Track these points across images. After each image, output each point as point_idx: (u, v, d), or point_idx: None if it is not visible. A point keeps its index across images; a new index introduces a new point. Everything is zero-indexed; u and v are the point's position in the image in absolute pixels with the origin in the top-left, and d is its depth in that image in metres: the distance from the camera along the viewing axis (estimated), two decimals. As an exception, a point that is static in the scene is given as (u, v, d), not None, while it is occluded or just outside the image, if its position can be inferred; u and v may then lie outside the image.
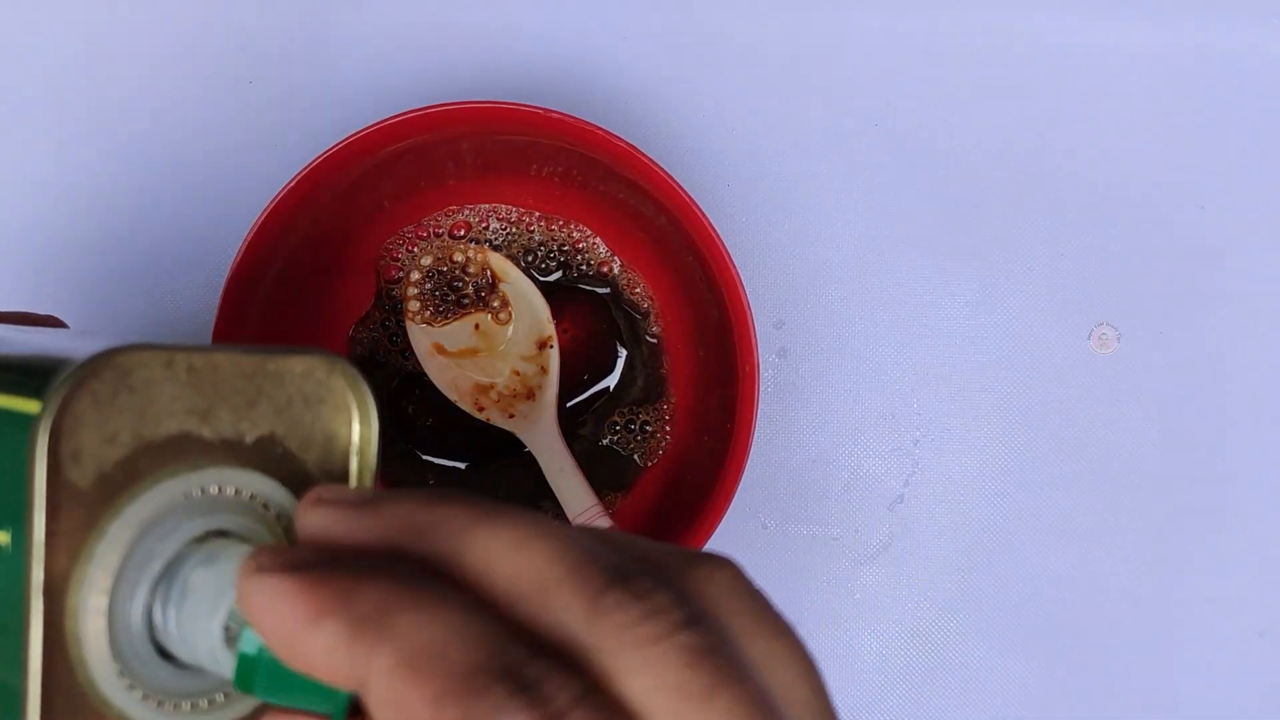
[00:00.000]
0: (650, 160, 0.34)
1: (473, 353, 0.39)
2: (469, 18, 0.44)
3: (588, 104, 0.43)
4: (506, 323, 0.39)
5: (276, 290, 0.37)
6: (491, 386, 0.39)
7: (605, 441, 0.40)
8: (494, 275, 0.40)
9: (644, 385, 0.40)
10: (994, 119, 0.44)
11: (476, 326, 0.40)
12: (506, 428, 0.39)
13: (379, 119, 0.35)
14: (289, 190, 0.35)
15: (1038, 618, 0.42)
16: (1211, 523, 0.43)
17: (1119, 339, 0.43)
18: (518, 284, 0.39)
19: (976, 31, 0.44)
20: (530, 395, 0.39)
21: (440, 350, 0.39)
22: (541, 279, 0.40)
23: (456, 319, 0.39)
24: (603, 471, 0.40)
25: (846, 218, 0.43)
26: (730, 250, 0.43)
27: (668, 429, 0.40)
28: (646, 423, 0.40)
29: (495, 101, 0.35)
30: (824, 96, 0.44)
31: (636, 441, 0.40)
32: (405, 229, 0.40)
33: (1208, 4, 0.44)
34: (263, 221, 0.34)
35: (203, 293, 0.43)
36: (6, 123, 0.43)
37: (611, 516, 0.36)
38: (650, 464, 0.40)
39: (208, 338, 0.35)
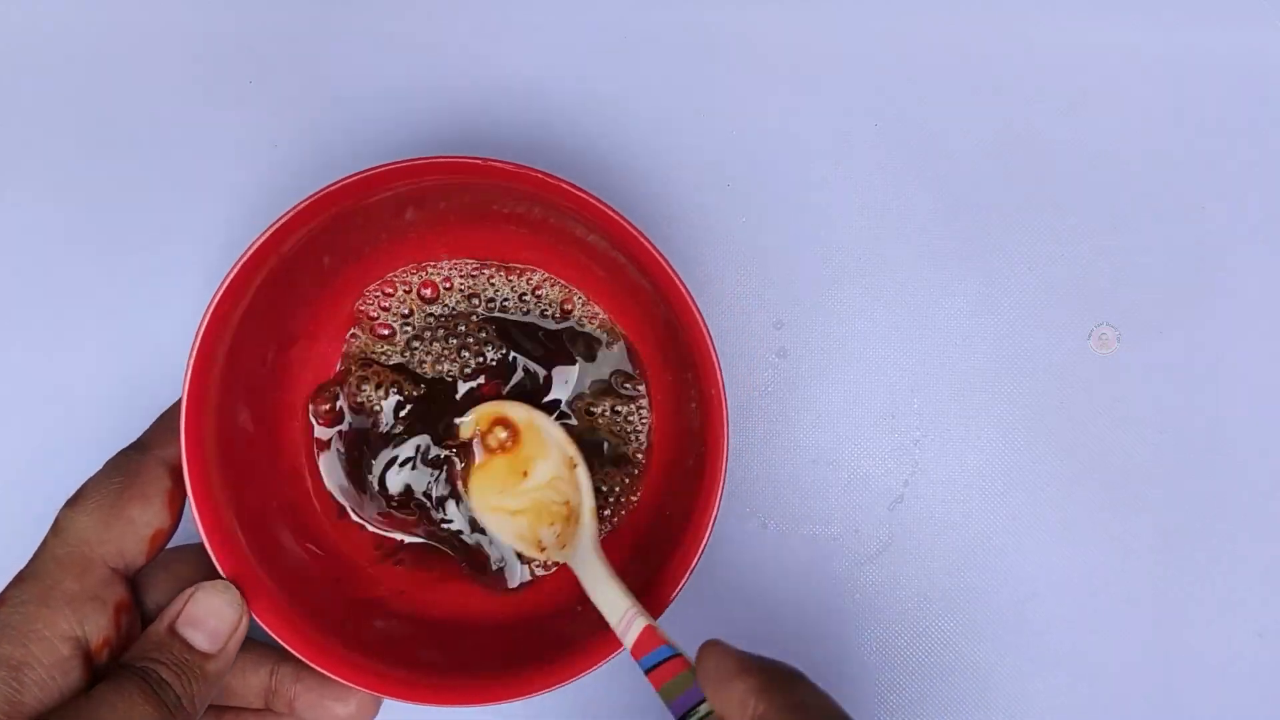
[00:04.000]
0: (573, 187, 0.34)
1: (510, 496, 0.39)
2: (468, 18, 0.44)
3: (588, 104, 0.43)
4: (521, 456, 0.39)
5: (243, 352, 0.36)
6: (551, 524, 0.38)
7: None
8: (488, 428, 0.39)
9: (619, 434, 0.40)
10: (994, 119, 0.44)
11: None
12: (562, 560, 0.37)
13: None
14: (231, 282, 0.33)
15: (1038, 618, 0.42)
16: (1211, 523, 0.43)
17: (1119, 339, 0.43)
18: (528, 421, 0.39)
19: (977, 31, 0.44)
20: (575, 518, 0.38)
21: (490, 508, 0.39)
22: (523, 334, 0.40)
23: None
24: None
25: (846, 218, 0.43)
26: (730, 250, 0.43)
27: (638, 485, 0.40)
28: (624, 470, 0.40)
29: (436, 157, 0.34)
30: (824, 96, 0.44)
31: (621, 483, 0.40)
32: (369, 288, 0.40)
33: (1208, 4, 0.44)
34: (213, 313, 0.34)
35: (199, 292, 0.43)
36: (2, 122, 0.43)
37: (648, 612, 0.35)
38: (633, 500, 0.40)
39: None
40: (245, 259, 0.33)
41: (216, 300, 0.33)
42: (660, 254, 0.34)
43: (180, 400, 0.34)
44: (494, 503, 0.39)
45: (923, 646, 0.43)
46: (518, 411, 0.39)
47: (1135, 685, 0.42)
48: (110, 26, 0.44)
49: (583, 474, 0.38)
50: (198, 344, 0.33)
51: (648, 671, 0.33)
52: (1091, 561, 0.43)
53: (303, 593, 0.36)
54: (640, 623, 0.33)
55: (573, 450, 0.38)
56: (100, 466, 0.34)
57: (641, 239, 0.34)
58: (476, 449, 0.39)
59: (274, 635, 0.34)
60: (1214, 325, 0.43)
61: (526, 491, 0.39)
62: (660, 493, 0.40)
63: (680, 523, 0.36)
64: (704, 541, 0.35)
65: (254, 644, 0.36)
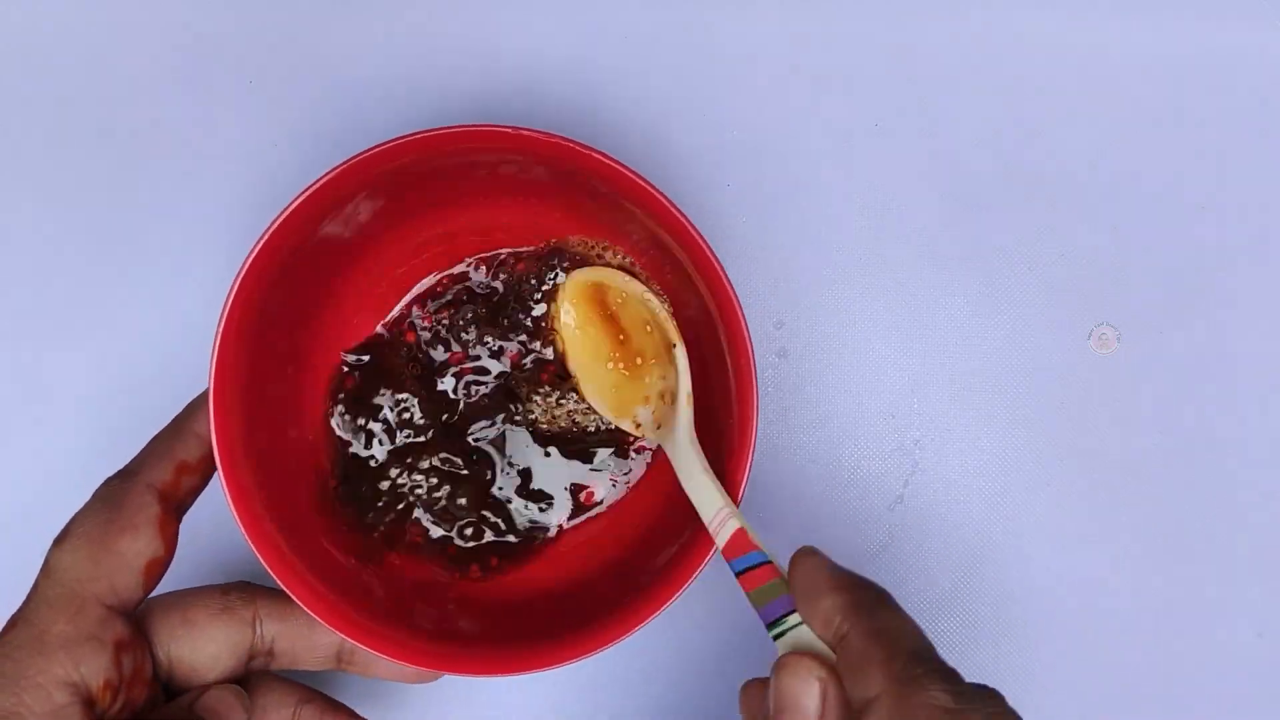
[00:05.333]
0: (621, 166, 0.34)
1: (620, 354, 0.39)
2: (469, 19, 0.44)
3: (588, 104, 0.43)
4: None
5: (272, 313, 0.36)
6: (647, 399, 0.38)
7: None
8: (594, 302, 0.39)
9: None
10: (994, 119, 0.44)
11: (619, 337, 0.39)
12: (658, 440, 0.37)
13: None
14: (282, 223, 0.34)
15: (1038, 618, 0.42)
16: (1210, 523, 0.43)
17: (1119, 339, 0.43)
18: (633, 294, 0.38)
19: (977, 32, 0.44)
20: (672, 399, 0.38)
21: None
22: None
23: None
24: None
25: (847, 218, 0.43)
26: (730, 250, 0.43)
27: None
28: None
29: (468, 125, 0.34)
30: (824, 96, 0.44)
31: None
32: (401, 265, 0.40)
33: (1208, 4, 0.44)
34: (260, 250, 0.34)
35: (200, 292, 0.43)
36: (3, 122, 0.43)
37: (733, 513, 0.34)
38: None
39: (208, 341, 0.35)
40: (270, 232, 0.34)
41: (239, 282, 0.33)
42: (701, 237, 0.34)
43: (188, 409, 0.34)
44: (592, 372, 0.39)
45: (923, 646, 0.43)
46: (617, 280, 0.39)
47: (1136, 685, 0.42)
48: (110, 26, 0.44)
49: (681, 355, 0.37)
50: (224, 321, 0.33)
51: (739, 574, 0.32)
52: (1091, 561, 0.43)
53: (351, 588, 0.36)
54: (733, 524, 0.33)
55: (673, 330, 0.38)
56: (89, 497, 0.33)
57: (657, 194, 0.34)
58: (569, 317, 0.39)
59: (324, 622, 0.34)
60: (1214, 325, 0.43)
61: (625, 365, 0.39)
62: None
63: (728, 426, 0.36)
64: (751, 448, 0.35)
65: (277, 683, 0.35)
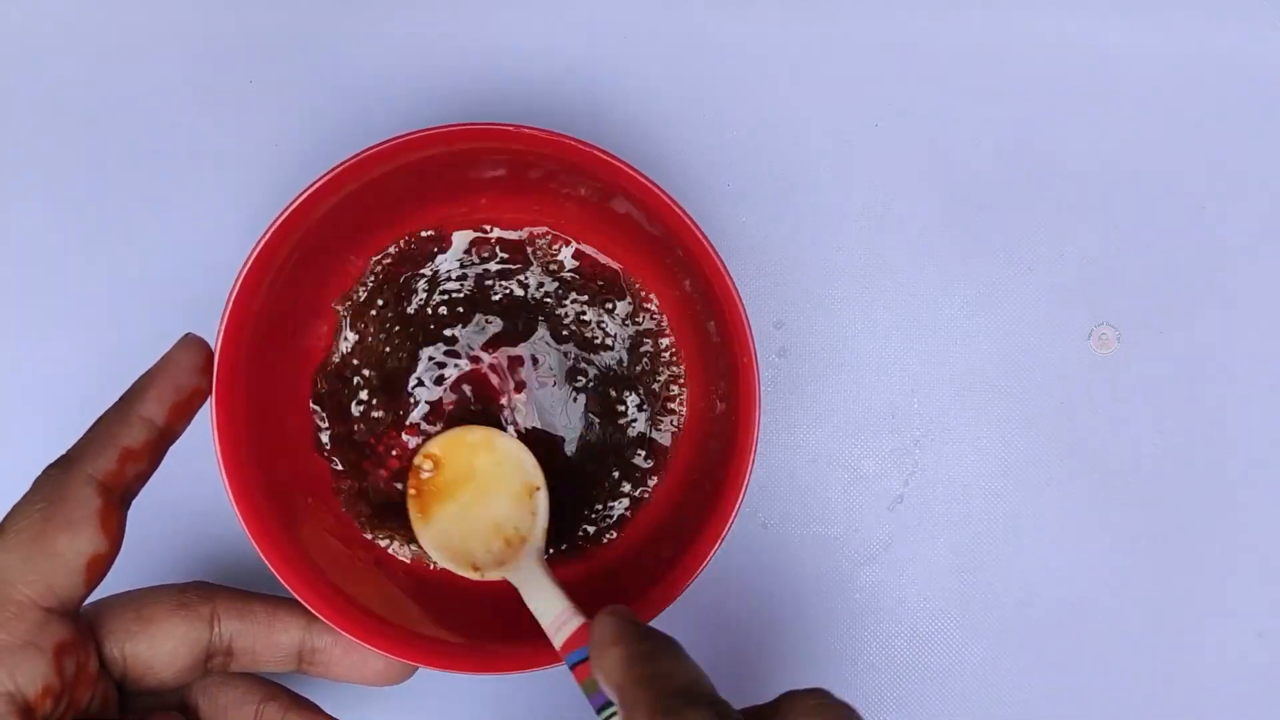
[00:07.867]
0: (616, 159, 0.34)
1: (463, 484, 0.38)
2: (469, 19, 0.44)
3: (588, 104, 0.43)
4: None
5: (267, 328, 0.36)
6: (488, 549, 0.37)
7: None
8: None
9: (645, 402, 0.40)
10: (994, 119, 0.44)
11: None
12: (501, 576, 0.36)
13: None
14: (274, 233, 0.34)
15: (1038, 618, 0.42)
16: (1210, 523, 0.43)
17: (1119, 339, 0.43)
18: (504, 451, 0.38)
19: (976, 31, 0.44)
20: (522, 540, 0.37)
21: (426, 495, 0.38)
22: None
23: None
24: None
25: (847, 218, 0.43)
26: (730, 250, 0.43)
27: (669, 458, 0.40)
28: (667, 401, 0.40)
29: (467, 123, 0.34)
30: (824, 96, 0.44)
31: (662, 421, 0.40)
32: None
33: (1208, 4, 0.44)
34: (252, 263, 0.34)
35: (199, 293, 0.43)
36: (2, 122, 0.43)
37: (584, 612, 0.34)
38: (673, 448, 0.40)
39: (212, 337, 0.35)
40: (279, 222, 0.34)
41: (241, 280, 0.33)
42: (707, 240, 0.34)
43: (132, 390, 0.33)
44: (434, 525, 0.38)
45: (923, 646, 0.43)
46: (478, 436, 0.38)
47: (1135, 685, 0.42)
48: (110, 27, 0.44)
49: (542, 498, 0.37)
50: (225, 322, 0.33)
51: (573, 667, 0.33)
52: (1091, 561, 0.43)
53: (338, 575, 0.36)
54: (577, 621, 0.33)
55: (538, 477, 0.38)
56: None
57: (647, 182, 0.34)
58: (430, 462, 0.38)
59: (308, 605, 0.34)
60: (1214, 325, 0.43)
61: (472, 518, 0.38)
62: (684, 480, 0.40)
63: (705, 503, 0.36)
64: (734, 512, 0.35)
65: (238, 680, 0.34)
